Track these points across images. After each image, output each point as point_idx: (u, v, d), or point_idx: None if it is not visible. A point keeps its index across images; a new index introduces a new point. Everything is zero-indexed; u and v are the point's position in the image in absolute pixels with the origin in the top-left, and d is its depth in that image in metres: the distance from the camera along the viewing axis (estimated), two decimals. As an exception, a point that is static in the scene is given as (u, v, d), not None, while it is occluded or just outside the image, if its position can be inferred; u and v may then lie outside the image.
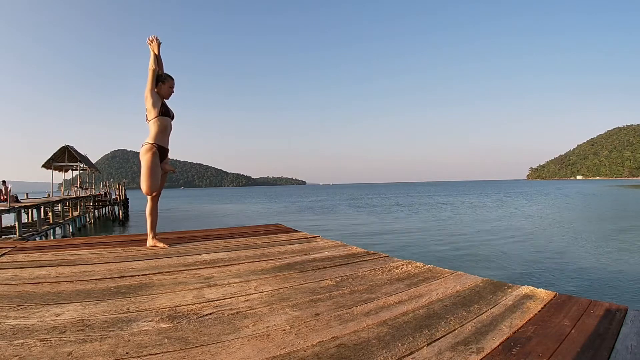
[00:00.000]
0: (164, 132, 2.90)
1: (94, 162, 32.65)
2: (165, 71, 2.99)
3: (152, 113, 2.85)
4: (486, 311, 1.34)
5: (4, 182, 13.31)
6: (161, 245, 2.86)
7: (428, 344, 1.07)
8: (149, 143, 2.82)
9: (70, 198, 19.24)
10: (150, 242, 2.89)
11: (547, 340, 1.09)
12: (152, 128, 2.85)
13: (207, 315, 1.33)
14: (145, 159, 2.80)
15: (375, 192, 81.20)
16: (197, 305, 1.44)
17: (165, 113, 2.90)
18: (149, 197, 2.95)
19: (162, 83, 2.89)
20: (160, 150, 2.87)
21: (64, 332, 1.17)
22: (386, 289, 1.63)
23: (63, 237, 14.73)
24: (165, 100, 2.95)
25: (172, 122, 2.99)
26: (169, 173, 3.08)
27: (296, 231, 3.67)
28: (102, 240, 3.34)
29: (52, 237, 12.80)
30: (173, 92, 2.98)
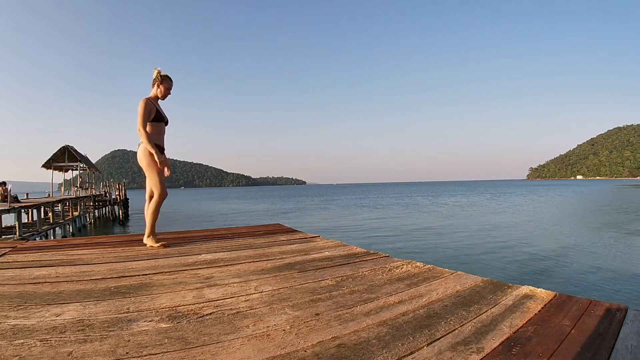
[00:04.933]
0: (159, 133, 2.91)
1: (94, 162, 32.64)
2: (166, 72, 2.98)
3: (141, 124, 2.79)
4: (486, 311, 1.34)
5: (4, 182, 13.31)
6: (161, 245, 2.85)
7: (428, 344, 1.07)
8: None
9: (70, 198, 19.24)
10: (150, 242, 2.88)
11: (547, 340, 1.09)
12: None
13: (207, 315, 1.33)
14: (146, 162, 2.80)
15: (375, 192, 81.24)
16: (197, 305, 1.44)
17: (159, 118, 2.89)
18: (157, 195, 2.88)
19: (159, 84, 2.91)
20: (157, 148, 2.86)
21: (64, 332, 1.17)
22: (386, 289, 1.63)
23: (63, 237, 14.73)
24: (161, 100, 2.97)
25: (166, 127, 2.99)
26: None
27: (296, 231, 3.67)
28: (102, 240, 3.33)
29: (52, 237, 12.80)
30: (170, 93, 2.99)
